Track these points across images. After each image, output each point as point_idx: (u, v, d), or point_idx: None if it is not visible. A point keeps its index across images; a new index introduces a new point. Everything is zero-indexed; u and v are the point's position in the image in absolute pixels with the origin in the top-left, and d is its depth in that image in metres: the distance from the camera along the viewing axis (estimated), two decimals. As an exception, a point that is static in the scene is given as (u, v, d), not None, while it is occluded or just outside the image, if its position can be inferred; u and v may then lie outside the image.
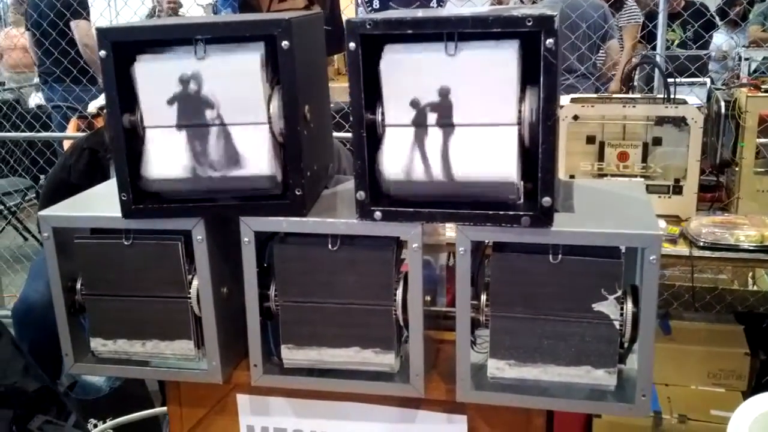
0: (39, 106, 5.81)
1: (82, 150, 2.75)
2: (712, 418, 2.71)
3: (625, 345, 1.22)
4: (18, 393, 2.58)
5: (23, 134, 4.92)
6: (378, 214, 1.21)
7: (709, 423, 2.71)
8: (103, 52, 1.19)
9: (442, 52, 1.12)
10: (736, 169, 2.84)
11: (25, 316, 2.86)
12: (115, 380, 2.87)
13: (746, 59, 4.12)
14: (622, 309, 1.19)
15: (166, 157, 1.23)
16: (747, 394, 2.72)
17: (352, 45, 1.13)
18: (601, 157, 2.70)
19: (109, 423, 2.71)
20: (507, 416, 1.34)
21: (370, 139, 1.18)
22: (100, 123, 3.27)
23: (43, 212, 1.34)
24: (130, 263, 1.33)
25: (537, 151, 1.13)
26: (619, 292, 1.18)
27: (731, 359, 2.81)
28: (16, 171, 5.68)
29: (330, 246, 1.26)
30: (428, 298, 1.29)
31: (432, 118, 1.15)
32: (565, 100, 2.74)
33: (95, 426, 2.75)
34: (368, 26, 1.12)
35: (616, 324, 1.19)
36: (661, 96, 2.70)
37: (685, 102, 2.66)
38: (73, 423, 2.58)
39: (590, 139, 2.70)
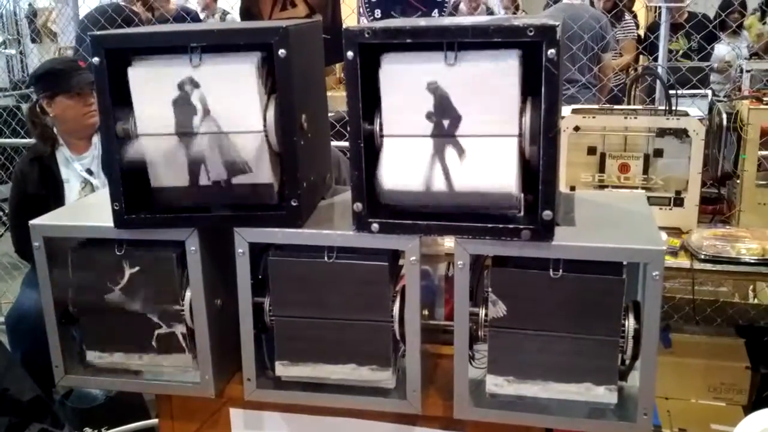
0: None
1: (31, 161, 2.83)
2: (713, 433, 2.69)
3: (627, 362, 1.20)
4: (13, 401, 2.56)
5: (23, 140, 4.90)
6: (375, 226, 1.19)
7: (710, 437, 2.69)
8: (96, 59, 1.17)
9: (441, 61, 1.10)
10: (738, 181, 2.82)
11: (18, 324, 2.84)
12: (111, 389, 2.84)
13: (748, 71, 4.10)
14: (623, 325, 1.17)
15: (159, 166, 1.21)
16: (748, 409, 2.71)
17: (350, 54, 1.11)
18: (602, 168, 2.68)
19: (105, 433, 2.69)
20: (505, 433, 1.31)
21: (368, 149, 1.16)
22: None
23: (35, 221, 1.31)
24: (123, 274, 1.31)
25: (538, 163, 1.10)
26: (621, 308, 1.16)
27: (732, 373, 2.79)
28: (15, 177, 5.66)
29: (326, 258, 1.24)
30: (426, 312, 1.26)
31: (431, 128, 1.13)
32: (566, 110, 2.73)
33: (91, 435, 2.72)
34: (367, 35, 1.10)
35: (618, 340, 1.17)
36: (663, 108, 2.68)
37: (686, 114, 2.64)
38: (67, 433, 2.56)
39: (591, 151, 2.69)
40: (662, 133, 2.61)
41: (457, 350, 1.22)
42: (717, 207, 3.01)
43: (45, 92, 2.76)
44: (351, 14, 3.57)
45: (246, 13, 2.72)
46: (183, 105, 1.19)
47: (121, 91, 1.20)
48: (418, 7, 3.33)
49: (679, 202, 2.64)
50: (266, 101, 1.20)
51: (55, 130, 2.82)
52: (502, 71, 1.09)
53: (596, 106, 3.17)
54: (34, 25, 9.08)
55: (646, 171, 2.66)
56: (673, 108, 2.65)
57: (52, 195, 2.76)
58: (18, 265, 5.03)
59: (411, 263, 1.20)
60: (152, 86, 1.19)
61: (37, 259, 1.32)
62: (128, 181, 1.23)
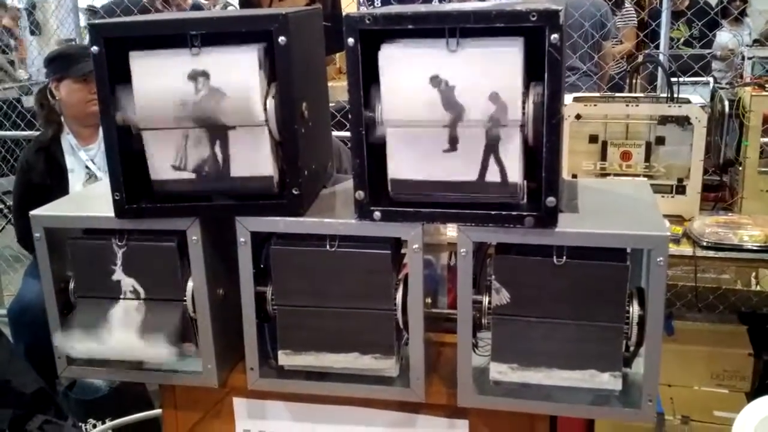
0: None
1: (37, 150, 2.84)
2: (716, 419, 2.69)
3: (631, 348, 1.20)
4: (16, 393, 2.56)
5: (23, 133, 4.89)
6: (377, 215, 1.18)
7: (713, 424, 2.69)
8: (95, 48, 1.16)
9: (443, 48, 1.09)
10: (740, 168, 2.82)
11: (21, 315, 2.84)
12: (113, 380, 2.84)
13: (749, 58, 4.09)
14: (627, 312, 1.16)
15: (160, 155, 1.21)
16: (750, 396, 2.70)
17: (350, 41, 1.10)
18: (603, 156, 2.68)
19: (109, 423, 2.69)
20: (509, 421, 1.31)
21: (369, 137, 1.15)
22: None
23: (35, 212, 1.31)
24: (124, 264, 1.30)
25: (541, 150, 1.10)
26: (625, 295, 1.15)
27: (735, 360, 2.79)
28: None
29: (328, 247, 1.23)
30: (429, 300, 1.26)
31: (432, 115, 1.12)
32: (567, 99, 2.71)
33: (94, 426, 2.72)
34: (367, 21, 1.09)
35: (622, 327, 1.16)
36: (665, 95, 2.67)
37: (688, 101, 2.63)
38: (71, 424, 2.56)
39: (593, 139, 2.68)
40: (664, 120, 2.60)
41: (461, 338, 1.21)
42: (719, 194, 3.01)
43: (54, 75, 2.80)
44: (351, 3, 3.56)
45: (245, 2, 2.71)
46: (183, 94, 1.18)
47: (122, 80, 1.19)
48: (418, -5, 3.32)
49: (681, 189, 2.63)
50: (267, 89, 1.19)
51: (62, 118, 2.83)
52: (505, 57, 1.08)
53: (597, 94, 3.16)
54: (33, 17, 9.05)
55: (648, 159, 2.65)
56: (675, 95, 2.64)
57: (57, 185, 2.76)
58: (19, 258, 5.03)
59: (414, 251, 1.20)
60: (152, 75, 1.18)
61: (38, 249, 1.32)
62: (129, 170, 1.22)
